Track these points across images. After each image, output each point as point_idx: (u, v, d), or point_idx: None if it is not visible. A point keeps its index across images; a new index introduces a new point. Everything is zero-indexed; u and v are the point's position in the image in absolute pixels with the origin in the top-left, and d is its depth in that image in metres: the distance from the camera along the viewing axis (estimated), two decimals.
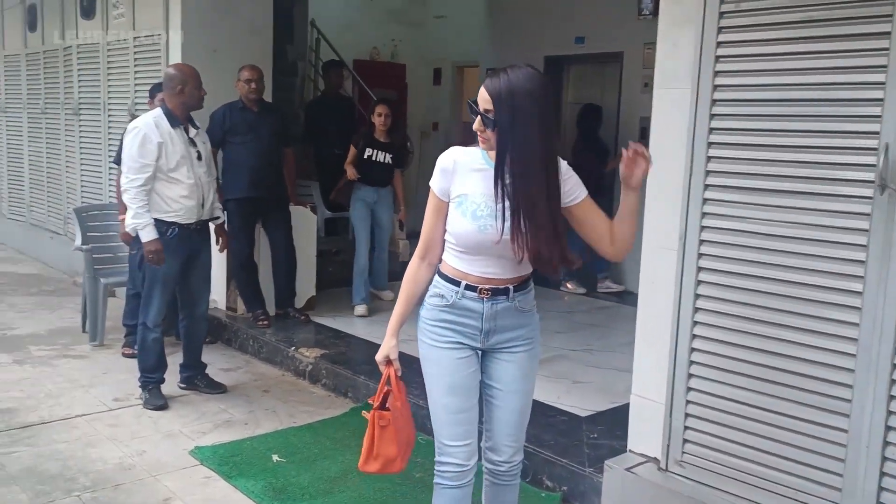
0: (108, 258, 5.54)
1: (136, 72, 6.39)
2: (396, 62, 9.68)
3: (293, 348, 5.04)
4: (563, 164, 2.32)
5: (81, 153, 7.42)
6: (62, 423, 4.07)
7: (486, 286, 2.33)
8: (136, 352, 4.73)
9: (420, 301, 2.44)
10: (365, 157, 5.87)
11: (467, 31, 9.04)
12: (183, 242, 4.23)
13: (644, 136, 6.39)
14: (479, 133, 2.28)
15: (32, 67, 8.38)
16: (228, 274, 5.71)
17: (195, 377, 4.58)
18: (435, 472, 2.47)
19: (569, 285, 6.97)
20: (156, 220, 4.12)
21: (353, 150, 5.89)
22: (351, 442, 3.83)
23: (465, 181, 2.30)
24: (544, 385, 4.41)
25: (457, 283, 2.34)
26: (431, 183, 2.38)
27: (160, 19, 5.92)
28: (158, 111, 4.22)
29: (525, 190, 2.18)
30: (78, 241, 5.49)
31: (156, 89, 5.12)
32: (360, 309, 5.89)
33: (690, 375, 2.93)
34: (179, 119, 4.23)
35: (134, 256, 4.35)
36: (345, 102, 7.91)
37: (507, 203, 2.21)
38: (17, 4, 8.49)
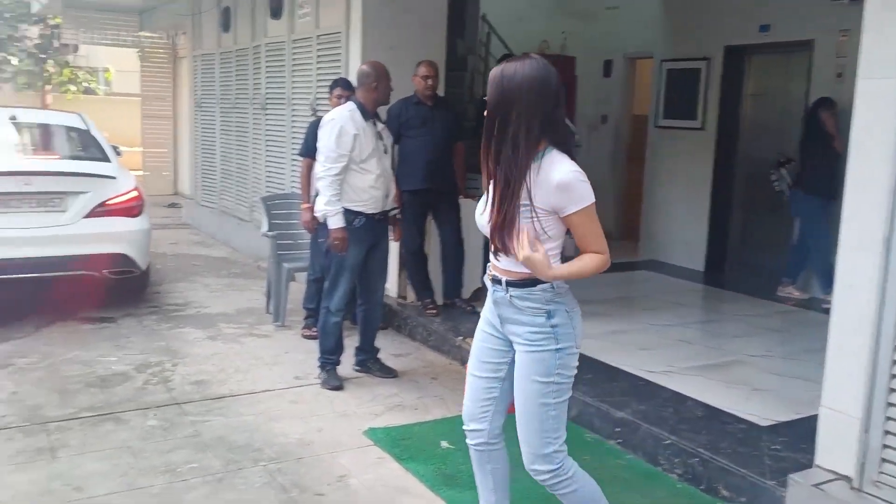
0: (290, 244, 5.88)
1: (318, 68, 6.72)
2: (566, 55, 9.57)
3: (460, 338, 5.12)
4: (567, 172, 2.28)
5: (267, 145, 7.91)
6: (249, 396, 4.37)
7: (491, 272, 2.49)
8: (315, 333, 5.01)
9: None
10: None
11: (641, 22, 8.78)
12: (368, 232, 4.42)
13: (839, 131, 5.96)
14: None
15: (225, 65, 9.04)
16: (400, 263, 5.90)
17: (368, 361, 4.77)
18: None
19: (792, 291, 6.49)
20: (344, 209, 4.33)
21: None
22: (516, 435, 3.84)
23: None
24: (720, 391, 4.24)
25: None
26: None
27: (342, 18, 6.19)
28: (352, 105, 4.43)
29: (500, 172, 2.32)
30: (264, 228, 5.86)
31: (334, 85, 5.37)
32: None
33: (892, 390, 2.71)
34: (370, 113, 4.42)
35: (322, 243, 4.59)
36: None
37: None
38: (213, 7, 9.17)
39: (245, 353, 5.11)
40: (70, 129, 6.75)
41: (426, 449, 3.74)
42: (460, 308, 5.77)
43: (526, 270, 2.36)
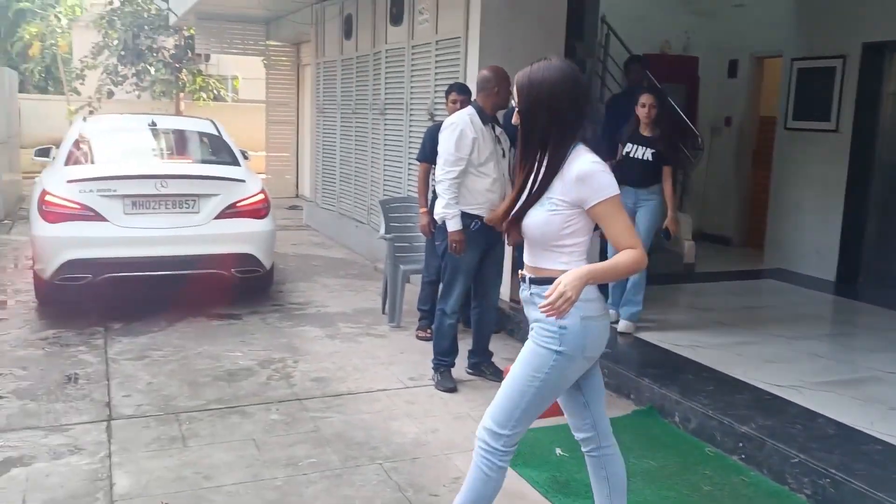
0: (406, 247, 5.97)
1: (436, 73, 6.80)
2: (688, 55, 9.30)
3: None
4: (588, 163, 2.32)
5: (385, 149, 8.08)
6: (366, 395, 4.47)
7: (522, 271, 2.51)
8: (429, 335, 5.07)
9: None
10: (624, 153, 5.30)
11: (770, 19, 8.42)
12: (483, 235, 4.44)
13: None
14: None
15: (346, 71, 9.29)
16: (513, 267, 5.87)
17: (482, 364, 4.78)
18: None
19: None
20: (461, 212, 4.37)
21: (620, 149, 5.39)
22: (633, 445, 3.76)
23: None
24: (853, 409, 4.01)
25: None
26: None
27: (461, 22, 6.24)
28: (472, 109, 4.48)
29: (529, 173, 2.39)
30: (382, 231, 5.98)
31: (450, 90, 5.41)
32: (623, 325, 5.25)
33: None
34: (489, 117, 4.46)
35: (438, 246, 4.65)
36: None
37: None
38: (336, 16, 9.45)
39: (362, 353, 5.23)
40: (203, 134, 7.12)
41: (540, 455, 3.71)
42: None
43: (548, 266, 2.41)
